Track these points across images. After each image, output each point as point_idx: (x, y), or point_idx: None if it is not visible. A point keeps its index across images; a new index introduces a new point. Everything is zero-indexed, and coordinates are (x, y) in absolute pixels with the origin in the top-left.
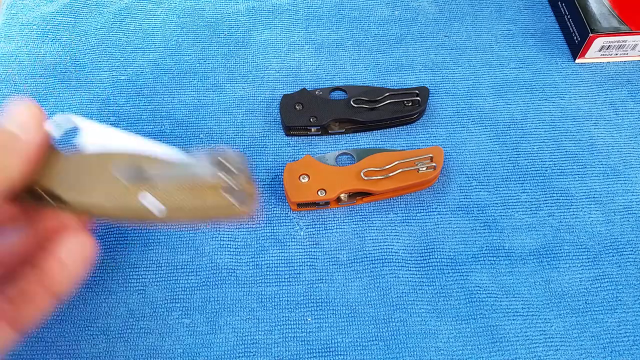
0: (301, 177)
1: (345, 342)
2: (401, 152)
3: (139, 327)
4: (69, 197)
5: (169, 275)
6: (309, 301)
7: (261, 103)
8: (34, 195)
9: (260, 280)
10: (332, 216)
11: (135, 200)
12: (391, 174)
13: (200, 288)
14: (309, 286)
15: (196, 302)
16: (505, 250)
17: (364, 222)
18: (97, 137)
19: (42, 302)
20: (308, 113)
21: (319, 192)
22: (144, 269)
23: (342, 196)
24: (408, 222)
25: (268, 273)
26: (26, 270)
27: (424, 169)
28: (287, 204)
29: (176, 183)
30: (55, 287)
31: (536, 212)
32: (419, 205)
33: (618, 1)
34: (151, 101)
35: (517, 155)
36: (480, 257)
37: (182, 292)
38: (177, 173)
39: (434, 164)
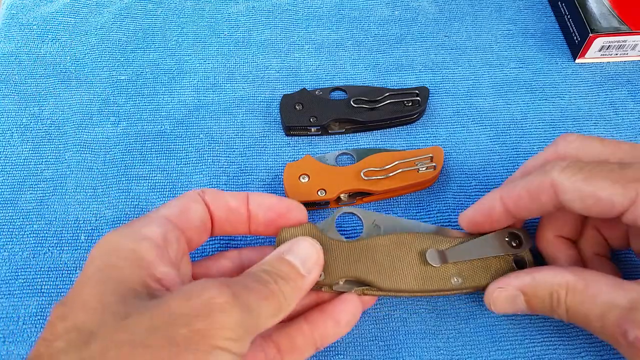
0: (301, 177)
1: (345, 341)
2: (401, 152)
3: None
4: (381, 284)
5: None
6: None
7: (261, 103)
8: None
9: None
10: None
11: (445, 282)
12: (391, 174)
13: None
14: None
15: None
16: None
17: None
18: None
19: (305, 352)
20: (308, 113)
21: (318, 192)
22: None
23: (342, 196)
24: None
25: None
26: (300, 322)
27: (424, 169)
28: None
29: (470, 258)
30: (322, 341)
31: None
32: (419, 205)
33: (618, 1)
34: (151, 101)
35: (517, 155)
36: None
37: None
38: (472, 249)
39: (434, 164)
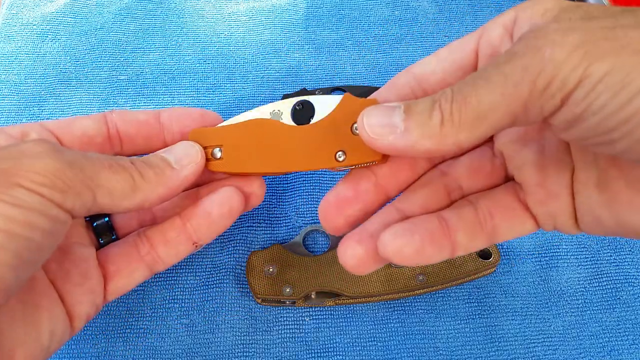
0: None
1: (343, 342)
2: None
3: (138, 326)
4: (348, 290)
5: (168, 275)
6: None
7: (261, 103)
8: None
9: None
10: None
11: (410, 280)
12: None
13: (199, 288)
14: None
15: (195, 302)
16: (504, 250)
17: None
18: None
19: (180, 246)
20: None
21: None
22: None
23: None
24: None
25: None
26: (173, 218)
27: None
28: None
29: None
30: (197, 234)
31: None
32: None
33: (618, 1)
34: (151, 101)
35: None
36: None
37: (181, 292)
38: None
39: None
